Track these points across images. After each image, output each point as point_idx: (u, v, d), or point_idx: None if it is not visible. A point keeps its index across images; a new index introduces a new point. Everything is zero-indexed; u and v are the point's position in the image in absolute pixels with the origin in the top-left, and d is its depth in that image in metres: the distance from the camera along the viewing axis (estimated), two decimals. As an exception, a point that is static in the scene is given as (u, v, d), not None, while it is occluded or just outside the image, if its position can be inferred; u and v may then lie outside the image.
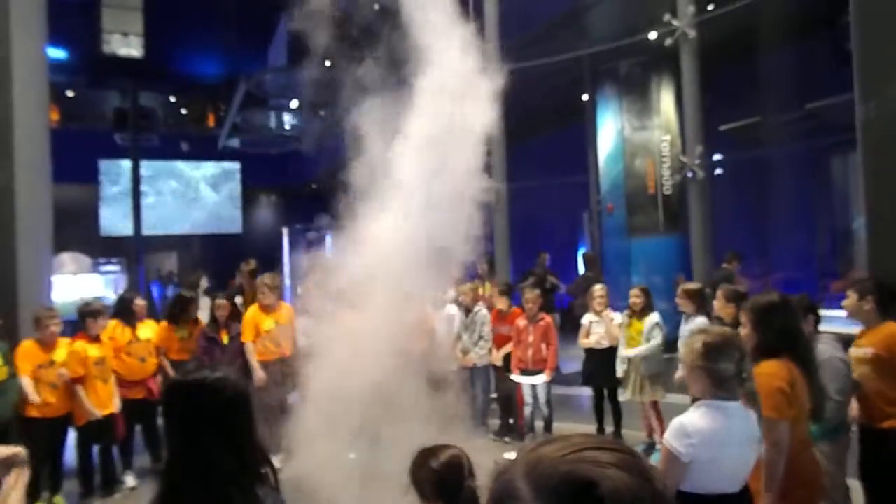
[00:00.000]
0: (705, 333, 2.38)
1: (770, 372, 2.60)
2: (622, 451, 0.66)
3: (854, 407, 3.52)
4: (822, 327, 3.73)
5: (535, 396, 6.04)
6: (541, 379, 5.99)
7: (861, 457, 3.55)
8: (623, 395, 5.88)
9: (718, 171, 10.78)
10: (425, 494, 2.04)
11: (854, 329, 3.71)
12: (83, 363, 4.99)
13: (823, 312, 3.92)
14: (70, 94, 18.09)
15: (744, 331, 2.81)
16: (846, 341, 3.63)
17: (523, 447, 0.73)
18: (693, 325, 5.18)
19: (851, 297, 3.54)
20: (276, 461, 1.87)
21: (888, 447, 3.38)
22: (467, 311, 6.38)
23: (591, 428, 6.02)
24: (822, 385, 2.84)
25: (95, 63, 17.67)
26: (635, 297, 5.81)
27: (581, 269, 11.46)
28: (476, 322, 6.31)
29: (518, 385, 6.18)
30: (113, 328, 5.35)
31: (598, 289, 6.23)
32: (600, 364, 5.98)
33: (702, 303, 5.45)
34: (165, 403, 1.77)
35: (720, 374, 2.26)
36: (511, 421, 6.43)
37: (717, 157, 10.46)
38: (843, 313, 3.74)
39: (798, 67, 9.92)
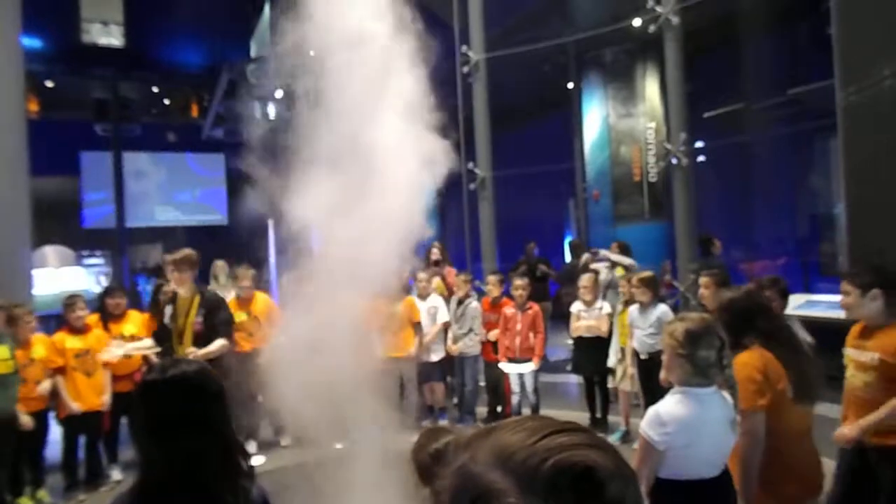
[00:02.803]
0: (686, 320, 2.36)
1: (743, 362, 2.59)
2: (583, 431, 0.65)
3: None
4: (810, 311, 3.69)
5: (522, 385, 6.07)
6: (528, 367, 6.02)
7: (847, 470, 3.09)
8: (612, 382, 5.88)
9: (702, 157, 10.84)
10: (423, 477, 2.06)
11: (832, 314, 3.67)
12: (61, 354, 4.97)
13: (812, 296, 3.91)
14: (49, 84, 17.77)
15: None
16: (821, 326, 3.59)
17: (460, 436, 0.70)
18: (660, 314, 5.20)
19: (852, 293, 2.98)
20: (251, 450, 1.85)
21: (884, 464, 2.93)
22: (459, 301, 6.38)
23: (580, 415, 6.06)
24: (803, 370, 2.73)
25: (75, 52, 17.35)
26: (622, 287, 5.84)
27: (567, 257, 11.50)
28: (467, 314, 6.31)
29: (506, 373, 6.21)
30: (95, 324, 5.31)
31: (586, 278, 6.22)
32: (589, 353, 5.99)
33: (657, 291, 5.46)
34: (143, 403, 1.67)
35: (701, 362, 2.26)
36: (499, 409, 6.46)
37: (700, 143, 10.50)
38: (829, 297, 3.69)
39: (781, 53, 9.97)
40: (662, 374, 2.40)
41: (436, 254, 7.28)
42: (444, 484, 0.67)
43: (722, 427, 2.31)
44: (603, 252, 6.54)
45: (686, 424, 2.22)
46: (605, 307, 6.00)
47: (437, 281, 6.91)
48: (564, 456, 0.60)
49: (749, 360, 2.61)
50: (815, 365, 2.84)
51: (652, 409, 2.29)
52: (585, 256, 7.43)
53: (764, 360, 2.63)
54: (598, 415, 6.11)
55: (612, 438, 5.58)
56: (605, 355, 5.87)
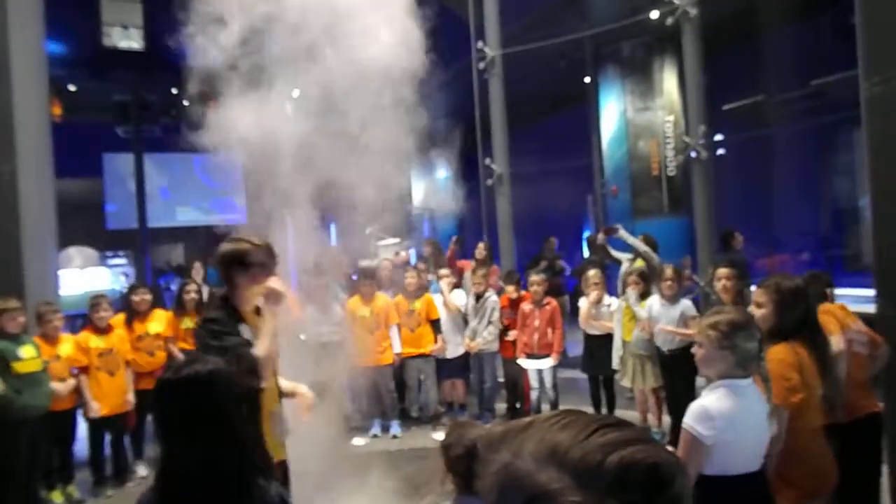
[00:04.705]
0: (727, 313, 2.34)
1: (779, 358, 2.57)
2: (629, 425, 0.64)
3: None
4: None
5: (541, 381, 6.05)
6: (547, 363, 5.99)
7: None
8: (623, 381, 5.75)
9: (721, 150, 10.71)
10: (458, 471, 2.06)
11: (858, 308, 3.63)
12: (85, 353, 5.07)
13: (837, 291, 3.83)
14: (72, 88, 18.05)
15: (759, 311, 2.71)
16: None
17: (490, 432, 0.69)
18: (683, 309, 5.11)
19: None
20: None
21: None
22: (478, 296, 6.37)
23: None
24: (835, 373, 2.72)
25: (96, 56, 17.59)
26: (631, 281, 5.72)
27: (586, 253, 11.43)
28: (486, 308, 6.30)
29: (524, 369, 6.19)
30: (118, 324, 5.41)
31: (593, 274, 6.10)
32: (596, 350, 5.92)
33: (682, 285, 5.39)
34: (158, 402, 1.71)
35: (746, 354, 2.25)
36: (518, 405, 6.45)
37: (720, 136, 10.38)
38: (855, 291, 3.63)
39: (802, 44, 9.79)
40: (703, 369, 2.36)
41: (482, 251, 7.48)
42: (487, 483, 0.65)
43: (761, 419, 2.30)
44: (622, 232, 6.37)
45: (732, 418, 2.20)
46: (613, 303, 5.92)
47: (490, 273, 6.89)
48: (628, 452, 0.59)
49: (785, 357, 2.57)
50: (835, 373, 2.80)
51: (696, 404, 2.26)
52: (600, 236, 7.29)
53: (799, 357, 2.58)
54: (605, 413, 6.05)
55: None
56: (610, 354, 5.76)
